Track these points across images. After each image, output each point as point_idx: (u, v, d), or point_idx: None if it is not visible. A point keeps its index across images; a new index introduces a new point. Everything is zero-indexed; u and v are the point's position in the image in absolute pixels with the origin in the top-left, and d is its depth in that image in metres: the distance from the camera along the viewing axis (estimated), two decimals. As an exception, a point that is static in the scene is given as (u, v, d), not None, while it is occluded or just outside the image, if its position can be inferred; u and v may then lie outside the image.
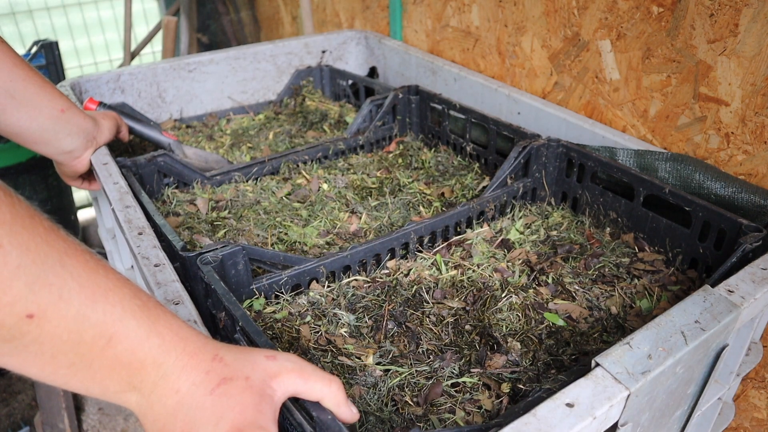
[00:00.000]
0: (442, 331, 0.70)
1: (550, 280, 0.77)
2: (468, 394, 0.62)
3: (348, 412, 0.47)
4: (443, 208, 0.95)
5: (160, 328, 0.42)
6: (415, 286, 0.76)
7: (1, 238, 0.35)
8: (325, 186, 1.02)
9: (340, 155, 1.12)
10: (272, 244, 0.87)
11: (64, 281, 0.37)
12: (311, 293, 0.74)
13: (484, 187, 0.95)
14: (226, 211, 0.95)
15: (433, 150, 1.15)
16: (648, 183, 0.80)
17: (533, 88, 1.13)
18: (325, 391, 0.46)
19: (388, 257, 0.80)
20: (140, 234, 0.71)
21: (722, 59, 0.80)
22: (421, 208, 0.96)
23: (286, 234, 0.89)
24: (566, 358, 0.65)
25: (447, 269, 0.80)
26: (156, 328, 0.42)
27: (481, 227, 0.88)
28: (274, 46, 1.36)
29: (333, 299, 0.74)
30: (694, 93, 0.85)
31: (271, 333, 0.68)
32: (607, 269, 0.79)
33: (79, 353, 0.38)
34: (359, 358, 0.66)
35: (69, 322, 0.37)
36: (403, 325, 0.71)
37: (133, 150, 1.17)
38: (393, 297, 0.75)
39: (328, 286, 0.76)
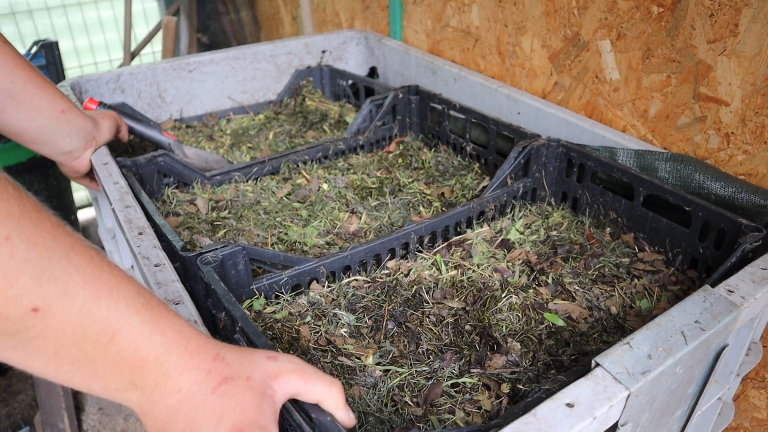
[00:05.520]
0: (442, 331, 0.70)
1: (550, 280, 0.78)
2: (468, 394, 0.62)
3: (346, 417, 0.47)
4: (443, 208, 0.95)
5: (162, 327, 0.42)
6: (415, 286, 0.77)
7: (9, 231, 0.35)
8: (325, 186, 1.02)
9: (340, 155, 1.13)
10: (272, 244, 0.87)
11: (70, 276, 0.37)
12: (311, 293, 0.75)
13: (484, 187, 0.95)
14: (226, 211, 0.95)
15: (433, 150, 1.15)
16: (648, 183, 0.80)
17: (533, 88, 1.13)
18: (325, 393, 0.46)
19: (388, 257, 0.80)
20: (140, 234, 0.71)
21: (722, 59, 0.80)
22: (421, 208, 0.96)
23: (286, 234, 0.89)
24: (566, 359, 0.65)
25: (447, 269, 0.80)
26: (159, 326, 0.42)
27: (481, 227, 0.88)
28: (274, 46, 1.36)
29: (333, 299, 0.75)
30: (694, 93, 0.85)
31: (270, 333, 0.68)
32: (607, 269, 0.79)
33: (82, 349, 0.38)
34: (359, 359, 0.66)
35: (73, 317, 0.37)
36: (403, 326, 0.71)
37: (133, 150, 1.17)
38: (393, 297, 0.75)
39: (328, 287, 0.76)
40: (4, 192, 0.35)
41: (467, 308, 0.73)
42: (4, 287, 0.34)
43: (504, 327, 0.70)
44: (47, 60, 1.75)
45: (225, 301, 0.59)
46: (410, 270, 0.80)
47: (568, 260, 0.81)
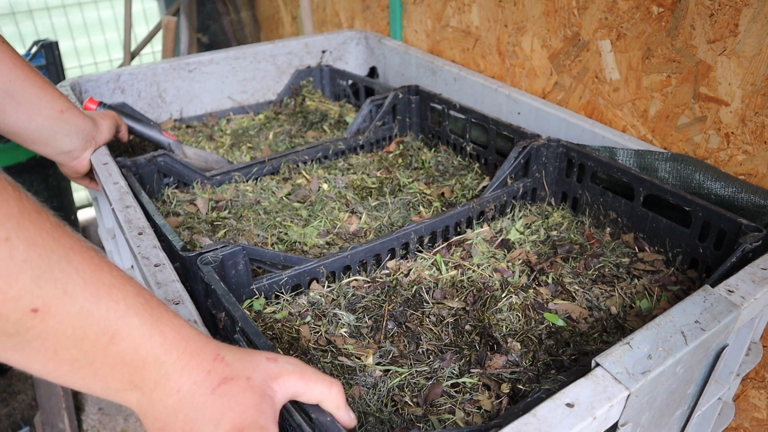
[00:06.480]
0: (442, 331, 0.70)
1: (550, 280, 0.77)
2: (468, 394, 0.62)
3: (346, 417, 0.47)
4: (443, 208, 0.95)
5: (162, 327, 0.42)
6: (415, 286, 0.76)
7: (8, 231, 0.35)
8: (325, 186, 1.02)
9: (340, 155, 1.12)
10: (272, 244, 0.87)
11: (69, 277, 0.37)
12: (311, 293, 0.75)
13: (484, 187, 0.95)
14: (226, 211, 0.95)
15: (433, 150, 1.15)
16: (648, 183, 0.80)
17: (533, 88, 1.13)
18: (326, 393, 0.46)
19: (388, 257, 0.80)
20: (140, 234, 0.71)
21: (722, 59, 0.80)
22: (421, 208, 0.96)
23: (286, 234, 0.89)
24: (566, 359, 0.65)
25: (447, 269, 0.80)
26: (158, 326, 0.42)
27: (481, 227, 0.88)
28: (274, 46, 1.36)
29: (333, 299, 0.74)
30: (694, 93, 0.85)
31: (271, 333, 0.68)
32: (607, 269, 0.79)
33: (81, 350, 0.38)
34: (359, 359, 0.66)
35: (73, 317, 0.37)
36: (403, 326, 0.71)
37: (133, 150, 1.17)
38: (393, 297, 0.75)
39: (328, 287, 0.76)
40: (3, 192, 0.35)
41: (467, 308, 0.73)
42: (4, 288, 0.34)
43: (504, 327, 0.70)
44: (47, 60, 1.75)
45: (225, 301, 0.59)
46: (410, 270, 0.80)
47: (568, 260, 0.81)
